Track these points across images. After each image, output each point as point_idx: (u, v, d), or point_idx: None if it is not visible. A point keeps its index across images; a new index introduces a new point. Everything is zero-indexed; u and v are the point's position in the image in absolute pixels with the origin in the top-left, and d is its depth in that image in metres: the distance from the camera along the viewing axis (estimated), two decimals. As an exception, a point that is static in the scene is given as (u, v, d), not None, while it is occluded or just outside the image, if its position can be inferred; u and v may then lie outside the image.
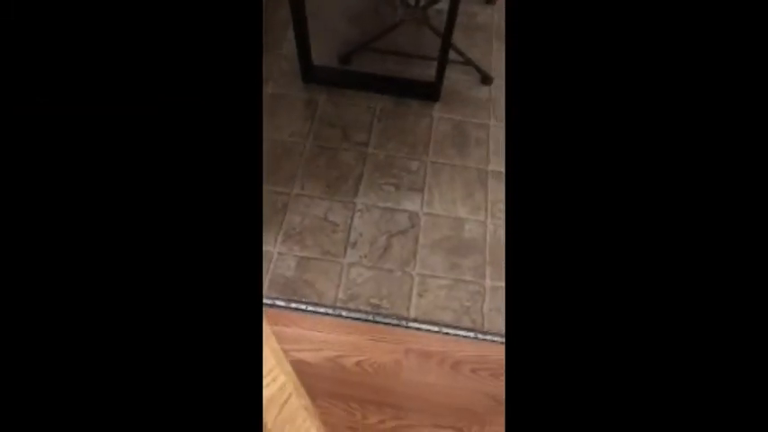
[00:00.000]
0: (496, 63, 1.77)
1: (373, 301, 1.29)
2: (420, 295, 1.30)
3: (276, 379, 0.45)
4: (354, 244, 1.37)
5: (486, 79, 1.71)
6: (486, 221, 1.43)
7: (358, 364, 1.19)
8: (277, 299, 1.28)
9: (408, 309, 1.28)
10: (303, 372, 1.14)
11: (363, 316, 1.26)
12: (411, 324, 1.26)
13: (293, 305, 1.27)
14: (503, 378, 1.18)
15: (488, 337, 1.25)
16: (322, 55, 1.71)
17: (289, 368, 0.49)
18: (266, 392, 0.44)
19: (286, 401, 0.45)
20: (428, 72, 1.66)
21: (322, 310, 1.27)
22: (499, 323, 1.27)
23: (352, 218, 1.42)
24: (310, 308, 1.27)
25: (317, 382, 1.15)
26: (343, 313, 1.26)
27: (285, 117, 1.60)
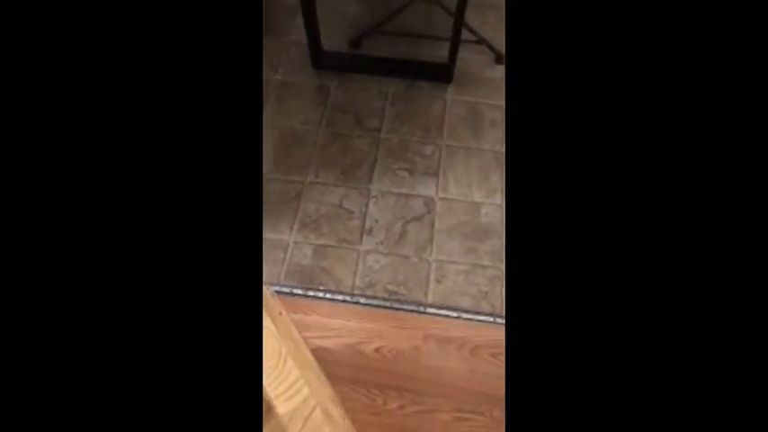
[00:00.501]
0: (510, 41, 1.73)
1: (390, 287, 1.29)
2: (438, 281, 1.30)
3: (300, 391, 0.45)
4: (370, 231, 1.37)
5: (500, 58, 1.68)
6: (503, 205, 1.41)
7: (377, 350, 1.19)
8: (295, 287, 1.28)
9: (426, 294, 1.28)
10: (323, 359, 1.14)
11: (381, 303, 1.26)
12: (429, 310, 1.25)
13: (311, 293, 1.27)
14: (523, 362, 1.17)
15: (508, 321, 1.24)
16: (331, 40, 1.69)
17: (314, 377, 0.49)
18: (290, 404, 0.44)
19: (310, 414, 0.45)
20: (440, 53, 1.63)
21: (340, 297, 1.27)
22: (518, 307, 1.26)
23: (367, 205, 1.41)
24: (328, 295, 1.27)
25: (337, 369, 1.16)
26: (361, 300, 1.26)
27: (296, 105, 1.59)
